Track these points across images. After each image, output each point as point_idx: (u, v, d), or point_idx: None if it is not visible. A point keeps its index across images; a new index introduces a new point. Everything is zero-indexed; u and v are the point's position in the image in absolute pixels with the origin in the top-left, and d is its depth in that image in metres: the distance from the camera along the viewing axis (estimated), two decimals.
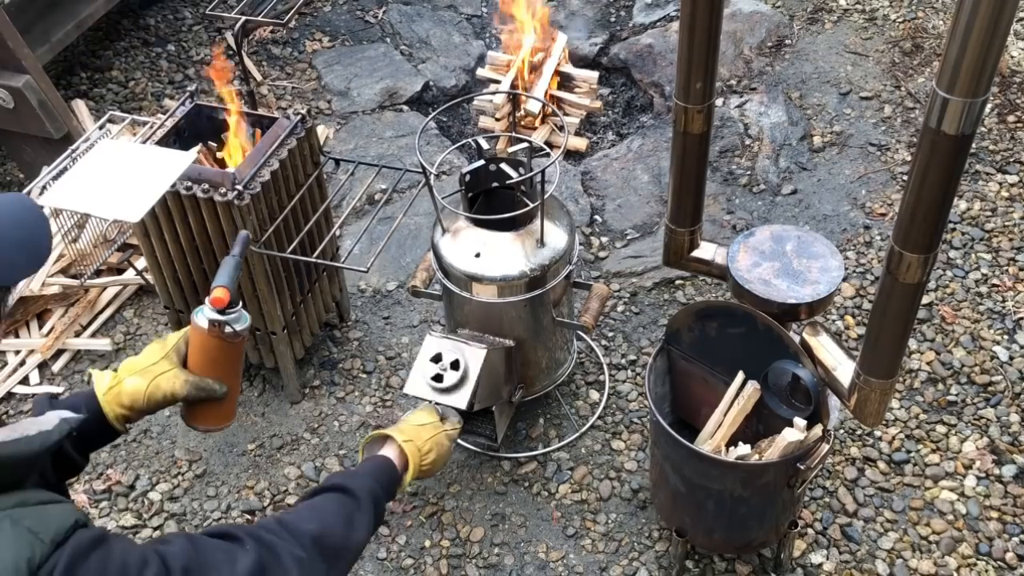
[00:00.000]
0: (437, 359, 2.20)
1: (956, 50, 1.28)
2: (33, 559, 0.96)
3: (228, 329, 1.49)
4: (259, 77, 3.87)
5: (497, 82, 3.64)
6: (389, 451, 1.75)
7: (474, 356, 2.18)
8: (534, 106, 3.46)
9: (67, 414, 1.21)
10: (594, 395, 2.67)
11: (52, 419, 1.15)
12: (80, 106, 3.62)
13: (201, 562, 1.17)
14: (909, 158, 3.29)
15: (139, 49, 4.07)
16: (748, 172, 3.33)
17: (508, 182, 2.32)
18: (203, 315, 1.49)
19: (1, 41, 3.06)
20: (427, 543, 2.37)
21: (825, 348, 1.92)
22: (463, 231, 2.28)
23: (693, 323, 2.10)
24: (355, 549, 1.45)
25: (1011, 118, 3.42)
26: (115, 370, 1.51)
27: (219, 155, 2.46)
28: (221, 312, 1.49)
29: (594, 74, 3.63)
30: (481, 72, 3.72)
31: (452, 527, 2.40)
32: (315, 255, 2.41)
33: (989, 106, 3.41)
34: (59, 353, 2.87)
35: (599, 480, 2.48)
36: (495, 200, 2.35)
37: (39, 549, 0.98)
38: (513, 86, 3.53)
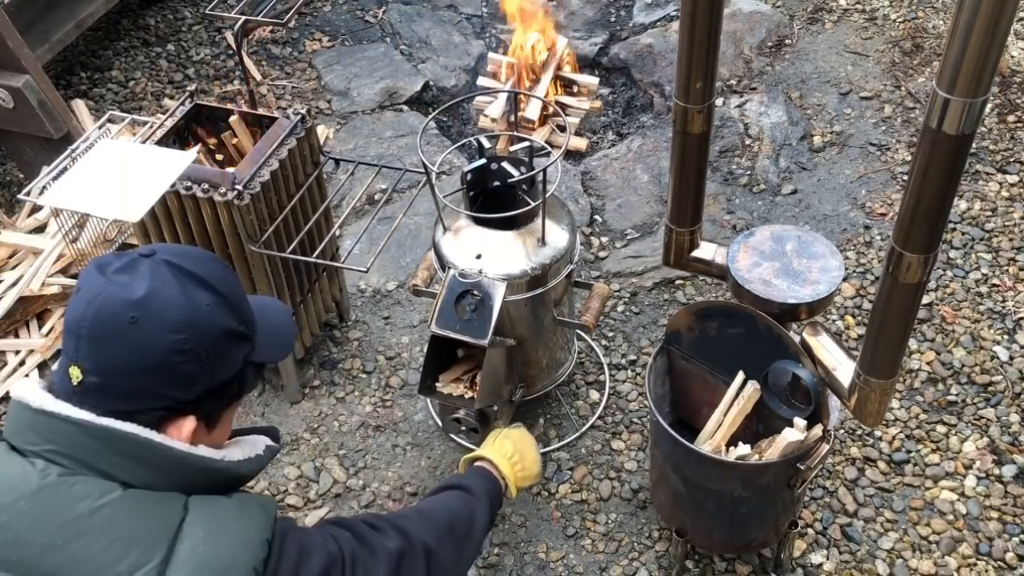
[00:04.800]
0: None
1: (956, 50, 1.28)
2: (267, 525, 1.21)
3: None
4: (259, 77, 3.87)
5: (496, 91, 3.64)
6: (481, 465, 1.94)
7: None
8: (533, 114, 3.45)
9: (270, 441, 1.38)
10: (594, 395, 2.67)
11: (261, 444, 1.35)
12: (80, 106, 3.62)
13: (361, 549, 1.37)
14: (909, 158, 3.29)
15: (139, 49, 4.07)
16: (748, 172, 3.33)
17: (509, 181, 2.32)
18: None
19: (1, 41, 3.06)
20: None
21: (825, 348, 1.92)
22: (464, 230, 2.28)
23: (693, 323, 2.10)
24: (478, 539, 1.66)
25: (1011, 118, 3.42)
26: None
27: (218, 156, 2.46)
28: None
29: (595, 79, 3.64)
30: (482, 80, 3.72)
31: None
32: (315, 255, 2.41)
33: (989, 106, 3.41)
34: (59, 353, 2.86)
35: (599, 480, 2.48)
36: (496, 199, 2.35)
37: (268, 520, 1.22)
38: (514, 87, 3.53)
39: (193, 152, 2.19)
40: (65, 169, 2.22)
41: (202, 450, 1.21)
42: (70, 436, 1.14)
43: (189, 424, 1.20)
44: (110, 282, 1.16)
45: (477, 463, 1.92)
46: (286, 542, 1.23)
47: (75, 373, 1.15)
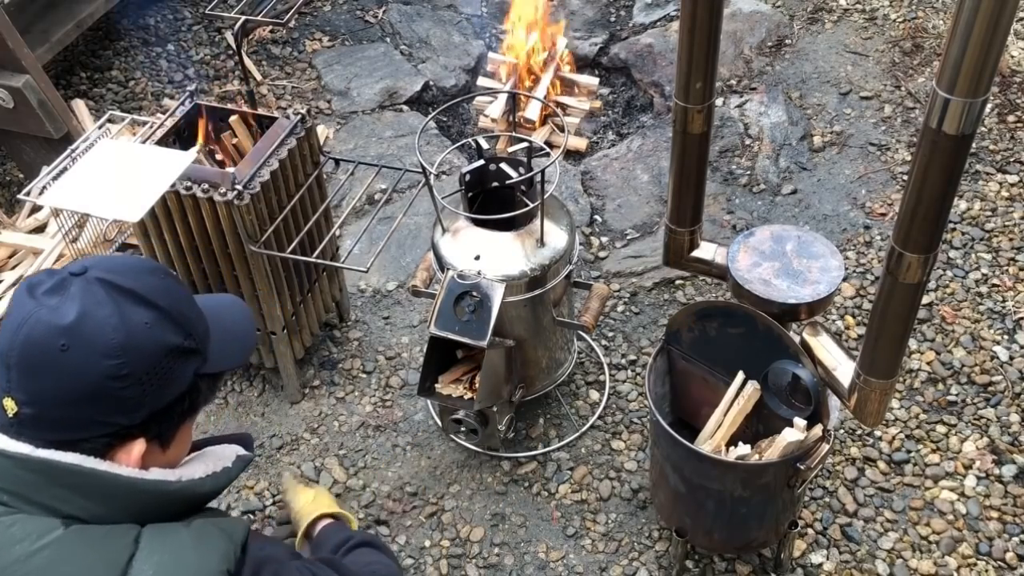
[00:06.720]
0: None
1: (956, 50, 1.29)
2: (229, 556, 1.12)
3: None
4: (259, 77, 3.87)
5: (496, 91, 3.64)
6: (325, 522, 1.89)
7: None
8: (533, 114, 3.45)
9: (241, 450, 1.31)
10: (594, 395, 2.67)
11: (230, 455, 1.27)
12: (80, 106, 3.62)
13: None
14: (909, 158, 3.29)
15: (139, 49, 4.06)
16: (748, 172, 3.33)
17: (508, 182, 2.32)
18: None
19: (1, 41, 3.06)
20: (427, 543, 2.37)
21: (825, 348, 1.92)
22: (463, 231, 2.28)
23: (693, 323, 2.10)
24: None
25: (1011, 118, 3.42)
26: None
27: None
28: None
29: (594, 79, 3.63)
30: (482, 80, 3.71)
31: (452, 527, 2.40)
32: (315, 255, 2.41)
33: (989, 106, 3.41)
34: None
35: (599, 480, 2.48)
36: (495, 200, 2.35)
37: (232, 549, 1.13)
38: (514, 87, 3.53)
39: (193, 152, 2.19)
40: (65, 169, 2.22)
41: (154, 473, 1.14)
42: (6, 471, 1.08)
43: (138, 447, 1.13)
44: (40, 305, 1.08)
45: (334, 522, 1.87)
46: (260, 574, 1.16)
47: (9, 405, 1.08)
